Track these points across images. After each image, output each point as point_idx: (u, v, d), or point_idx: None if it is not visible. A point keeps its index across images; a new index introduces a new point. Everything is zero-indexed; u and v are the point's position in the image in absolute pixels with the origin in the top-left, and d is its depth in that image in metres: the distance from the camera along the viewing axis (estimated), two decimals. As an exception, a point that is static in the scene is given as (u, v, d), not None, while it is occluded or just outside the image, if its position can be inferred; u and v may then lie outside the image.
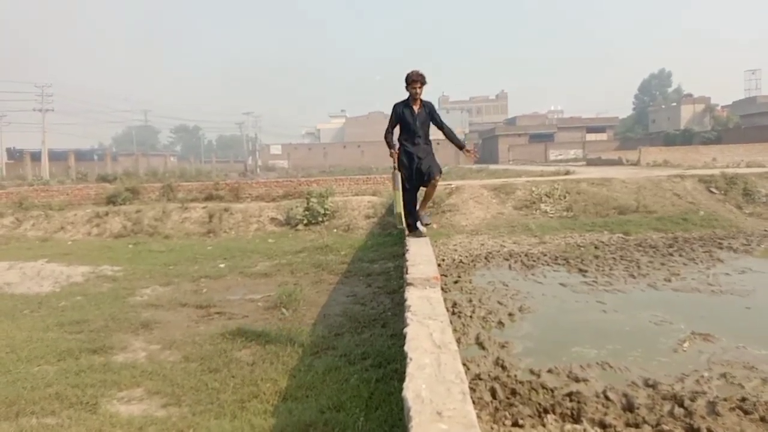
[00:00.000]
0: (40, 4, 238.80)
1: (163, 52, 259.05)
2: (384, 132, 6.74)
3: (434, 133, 6.88)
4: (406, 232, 6.99)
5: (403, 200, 6.65)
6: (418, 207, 7.00)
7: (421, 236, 6.76)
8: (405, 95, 6.68)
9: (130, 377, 4.84)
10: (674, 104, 74.88)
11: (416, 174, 6.59)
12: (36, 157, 49.60)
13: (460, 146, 7.19)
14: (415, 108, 6.56)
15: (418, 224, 6.90)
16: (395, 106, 6.63)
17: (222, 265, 10.42)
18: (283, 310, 6.95)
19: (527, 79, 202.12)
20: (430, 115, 6.72)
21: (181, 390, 4.56)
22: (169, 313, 7.15)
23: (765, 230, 13.33)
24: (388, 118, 6.74)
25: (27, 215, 16.24)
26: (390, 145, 6.63)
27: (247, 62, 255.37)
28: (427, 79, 6.48)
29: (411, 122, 6.54)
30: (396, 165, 6.48)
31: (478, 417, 4.59)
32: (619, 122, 77.32)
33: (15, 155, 54.93)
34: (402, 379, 2.72)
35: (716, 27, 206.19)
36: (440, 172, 6.86)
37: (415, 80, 6.41)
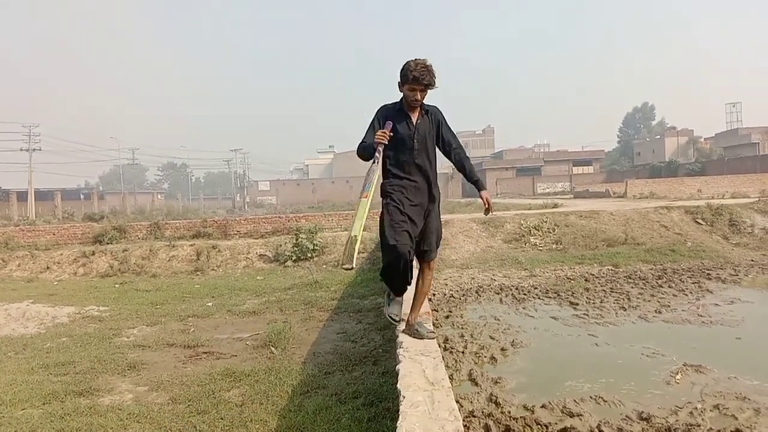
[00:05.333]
0: (27, 46, 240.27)
1: (153, 91, 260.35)
2: (359, 145, 4.20)
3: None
4: (394, 316, 4.41)
5: (390, 267, 4.04)
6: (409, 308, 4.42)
7: (424, 337, 4.17)
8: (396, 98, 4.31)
9: (116, 420, 4.73)
10: (658, 137, 76.17)
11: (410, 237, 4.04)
12: (22, 196, 49.34)
13: (478, 185, 4.41)
14: (413, 117, 4.18)
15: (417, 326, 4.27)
16: (382, 110, 4.25)
17: (210, 304, 10.31)
18: (272, 348, 6.86)
19: (514, 113, 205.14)
20: (437, 128, 4.30)
21: (169, 433, 4.46)
22: (156, 354, 7.03)
23: (752, 260, 13.43)
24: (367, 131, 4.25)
25: (12, 255, 16.06)
26: (368, 146, 4.11)
27: (236, 100, 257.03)
28: (435, 80, 4.07)
29: (406, 138, 4.14)
30: (378, 155, 4.05)
31: (473, 455, 4.53)
32: (605, 155, 78.32)
33: (1, 195, 54.57)
34: (395, 418, 2.68)
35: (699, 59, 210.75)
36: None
37: (417, 78, 4.00)
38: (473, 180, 4.42)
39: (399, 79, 4.12)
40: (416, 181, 4.17)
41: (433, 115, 4.28)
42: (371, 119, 4.25)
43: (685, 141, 70.27)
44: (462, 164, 4.38)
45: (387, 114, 4.18)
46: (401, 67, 4.10)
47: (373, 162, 3.99)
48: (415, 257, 4.24)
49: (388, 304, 4.45)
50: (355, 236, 3.79)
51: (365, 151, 4.13)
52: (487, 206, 4.33)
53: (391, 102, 4.31)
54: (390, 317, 4.43)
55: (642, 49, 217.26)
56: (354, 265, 3.78)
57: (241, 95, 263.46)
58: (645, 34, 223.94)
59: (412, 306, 4.36)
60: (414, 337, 4.17)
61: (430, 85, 4.07)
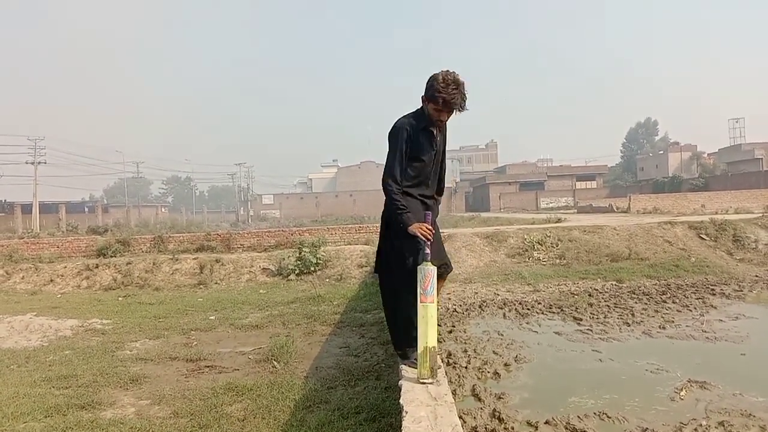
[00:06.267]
0: (33, 59, 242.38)
1: (158, 104, 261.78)
2: (384, 175, 3.77)
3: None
4: (410, 373, 3.62)
5: (402, 309, 3.88)
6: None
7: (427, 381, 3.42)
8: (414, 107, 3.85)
9: (118, 434, 4.71)
10: (662, 152, 76.30)
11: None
12: (27, 209, 49.62)
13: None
14: (436, 134, 3.80)
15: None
16: (404, 125, 3.73)
17: (212, 317, 10.31)
18: (275, 362, 6.84)
19: (516, 127, 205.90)
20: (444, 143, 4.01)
21: (171, 447, 4.45)
22: (158, 367, 7.02)
23: (756, 276, 13.38)
24: (390, 156, 3.78)
25: (16, 268, 16.09)
26: (401, 205, 3.68)
27: (240, 113, 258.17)
28: (466, 101, 3.66)
29: (428, 160, 3.80)
30: (427, 250, 3.53)
31: (475, 471, 4.50)
32: (608, 170, 78.37)
33: (6, 208, 54.88)
34: (397, 434, 2.67)
35: (701, 75, 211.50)
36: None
37: (447, 102, 3.57)
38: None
39: (424, 93, 3.65)
40: (429, 200, 3.85)
41: (445, 130, 3.92)
42: (397, 138, 3.72)
43: (688, 156, 70.40)
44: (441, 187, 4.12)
45: (412, 130, 3.69)
46: (429, 81, 3.61)
47: (422, 259, 3.51)
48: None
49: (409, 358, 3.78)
50: (433, 347, 3.41)
51: (400, 214, 3.64)
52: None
53: (410, 113, 3.78)
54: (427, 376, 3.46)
55: (645, 64, 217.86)
56: (437, 378, 3.44)
57: (244, 109, 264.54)
58: (648, 49, 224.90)
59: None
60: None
61: (461, 109, 3.63)
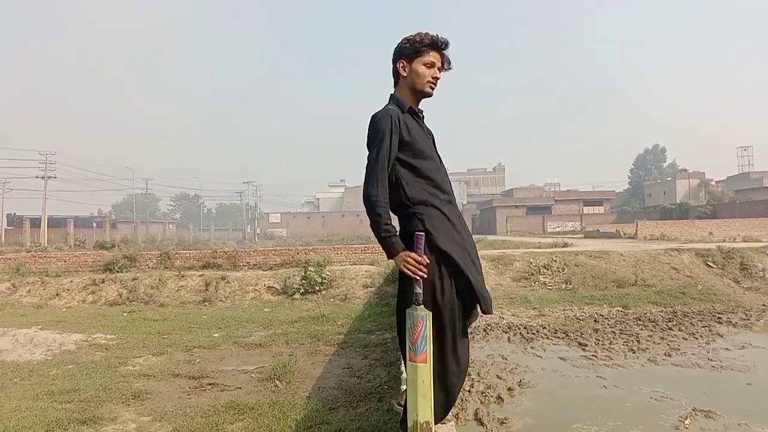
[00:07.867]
0: (44, 74, 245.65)
1: (167, 122, 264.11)
2: (365, 185, 2.78)
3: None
4: None
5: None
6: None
7: None
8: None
9: (118, 450, 4.71)
10: (669, 179, 76.20)
11: (462, 300, 2.76)
12: (35, 223, 49.97)
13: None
14: (423, 123, 2.92)
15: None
16: (387, 120, 2.70)
17: (216, 335, 10.30)
18: (277, 382, 6.83)
19: (524, 151, 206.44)
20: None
21: (171, 464, 4.43)
22: (161, 384, 7.01)
23: (764, 305, 13.28)
24: (372, 157, 2.74)
25: (23, 281, 16.16)
26: (385, 225, 2.71)
27: (248, 131, 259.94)
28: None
29: (427, 148, 2.83)
30: (419, 291, 2.54)
31: (476, 496, 4.46)
32: (616, 196, 78.24)
33: (15, 222, 55.26)
34: (397, 455, 2.66)
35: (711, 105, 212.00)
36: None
37: (435, 44, 2.78)
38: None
39: (403, 57, 2.81)
40: (456, 211, 2.89)
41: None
42: (378, 130, 2.71)
43: (696, 183, 70.33)
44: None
45: (398, 120, 2.71)
46: (402, 42, 2.80)
47: (415, 302, 2.53)
48: None
49: None
50: (427, 422, 2.42)
51: (385, 239, 2.69)
52: None
53: (382, 108, 2.82)
54: None
55: (652, 90, 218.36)
56: None
57: (254, 127, 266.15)
58: (656, 75, 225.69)
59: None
60: None
61: (448, 58, 2.84)
